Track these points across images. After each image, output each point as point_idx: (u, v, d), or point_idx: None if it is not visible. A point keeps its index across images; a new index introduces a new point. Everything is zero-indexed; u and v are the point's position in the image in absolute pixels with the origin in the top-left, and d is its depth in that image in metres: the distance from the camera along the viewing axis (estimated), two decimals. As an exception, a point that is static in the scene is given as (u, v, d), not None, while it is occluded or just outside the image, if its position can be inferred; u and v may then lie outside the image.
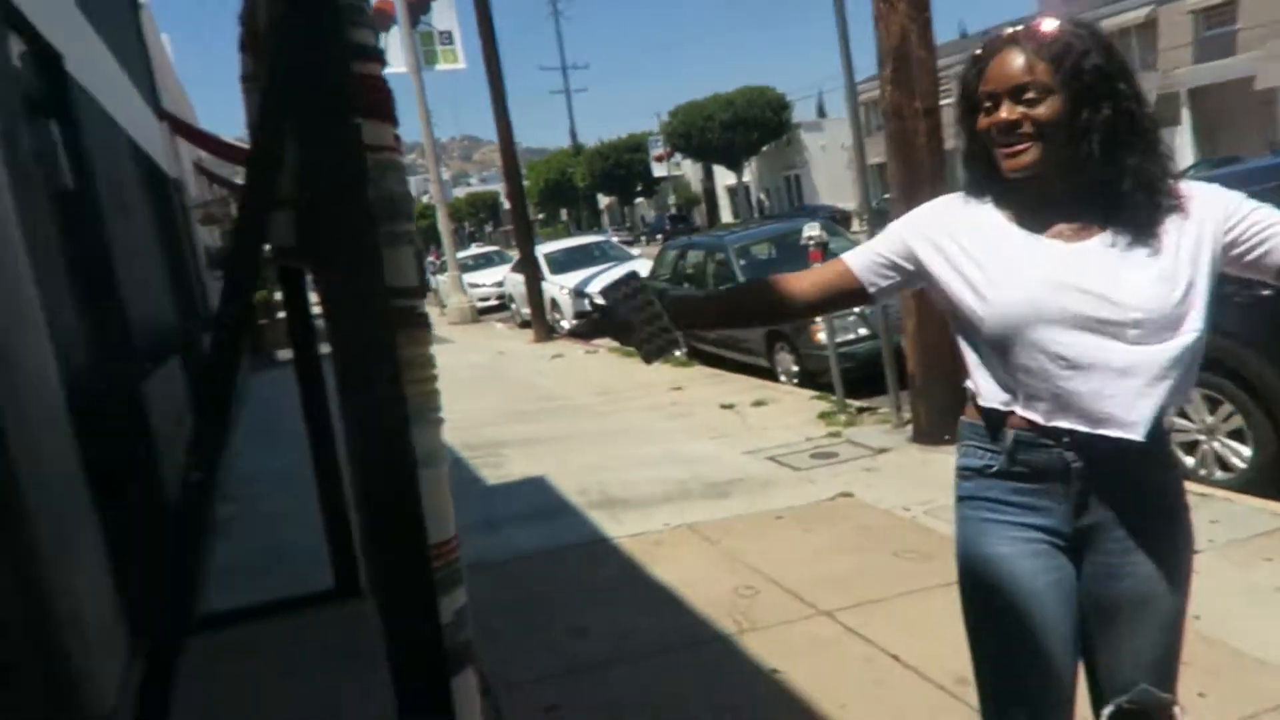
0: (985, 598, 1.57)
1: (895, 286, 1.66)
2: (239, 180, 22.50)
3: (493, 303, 18.69)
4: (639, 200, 57.70)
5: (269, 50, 2.04)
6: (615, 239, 33.49)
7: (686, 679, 3.05)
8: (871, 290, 1.65)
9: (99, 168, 5.49)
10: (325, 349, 2.08)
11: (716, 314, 1.98)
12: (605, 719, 2.88)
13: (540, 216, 66.95)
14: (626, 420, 7.22)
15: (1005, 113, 1.45)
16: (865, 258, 1.65)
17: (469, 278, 19.64)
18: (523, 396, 8.90)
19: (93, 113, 5.98)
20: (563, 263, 15.01)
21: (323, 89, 1.71)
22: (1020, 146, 1.45)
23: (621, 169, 51.54)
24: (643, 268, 12.53)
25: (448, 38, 18.52)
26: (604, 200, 60.81)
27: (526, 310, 14.32)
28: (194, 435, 1.58)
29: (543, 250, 15.62)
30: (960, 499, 1.63)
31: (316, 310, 2.73)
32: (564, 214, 62.76)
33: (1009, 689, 1.57)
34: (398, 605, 1.91)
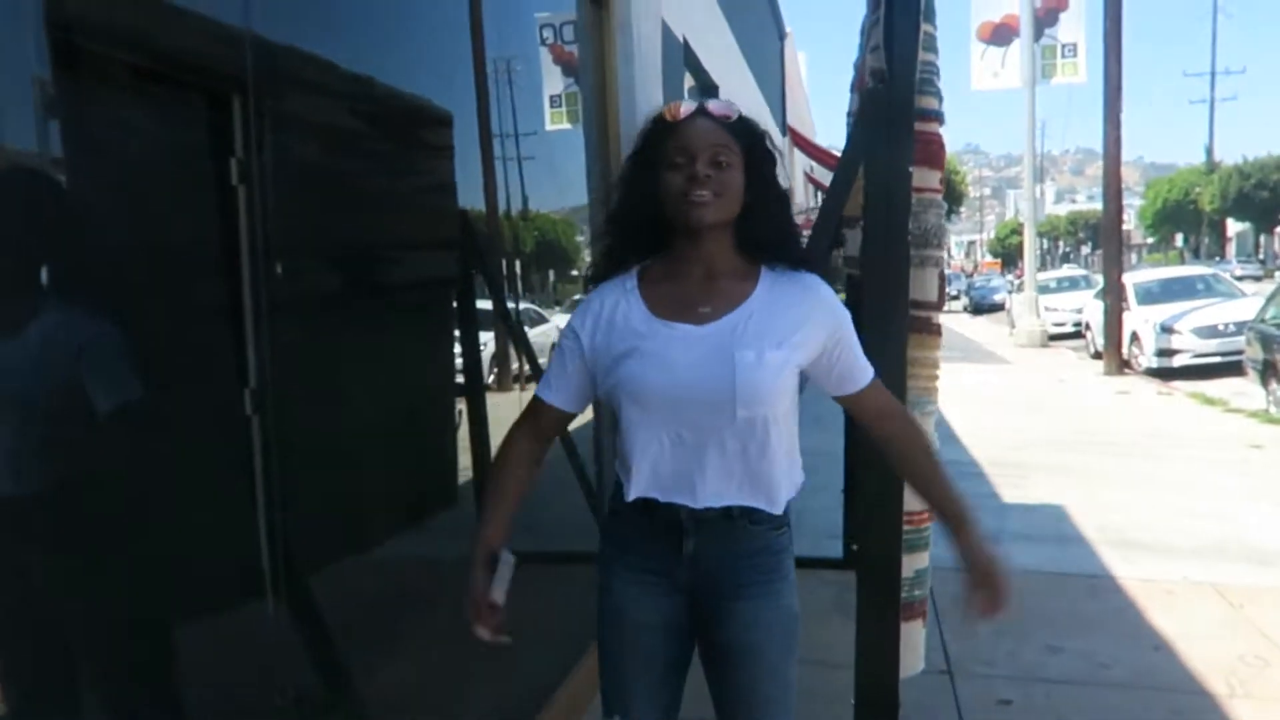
0: None
1: None
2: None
3: (1068, 329, 17.55)
4: (1282, 230, 48.75)
5: (857, 111, 2.77)
6: (1237, 272, 28.94)
7: (1151, 718, 3.05)
8: None
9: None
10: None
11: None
12: (1054, 726, 3.05)
13: (1150, 240, 60.19)
14: (1177, 468, 6.67)
15: None
16: None
17: (1047, 300, 18.71)
18: (1069, 426, 8.60)
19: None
20: (1154, 294, 13.73)
21: (889, 144, 2.32)
22: None
23: (1265, 191, 44.02)
24: (1252, 308, 11.02)
25: (1071, 50, 17.86)
26: (1235, 227, 52.43)
27: (1102, 340, 13.44)
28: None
29: (1132, 278, 14.45)
30: None
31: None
32: (1179, 239, 55.51)
33: None
34: (869, 554, 2.48)
